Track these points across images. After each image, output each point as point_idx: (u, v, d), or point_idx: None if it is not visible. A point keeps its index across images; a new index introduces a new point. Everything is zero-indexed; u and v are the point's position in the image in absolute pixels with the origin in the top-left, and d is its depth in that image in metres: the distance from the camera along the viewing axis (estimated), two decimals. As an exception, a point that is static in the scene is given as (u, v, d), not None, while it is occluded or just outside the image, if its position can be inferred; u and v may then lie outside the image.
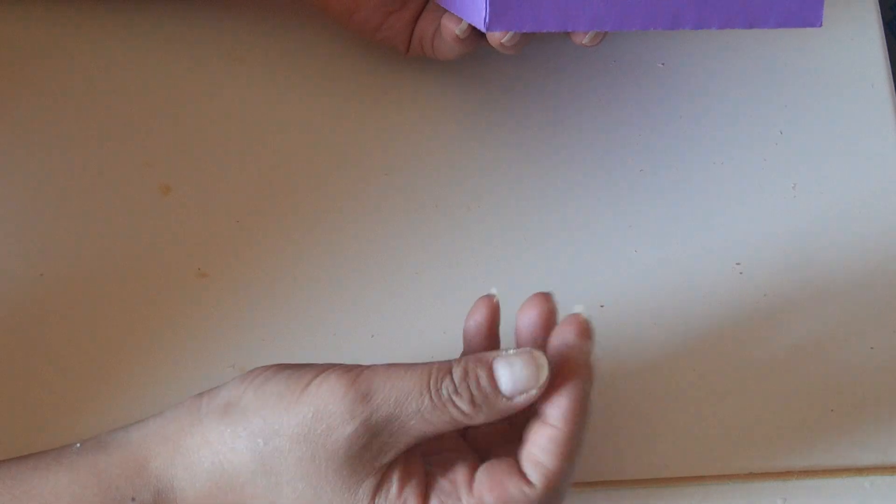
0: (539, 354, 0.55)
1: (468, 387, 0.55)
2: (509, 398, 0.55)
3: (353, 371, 0.55)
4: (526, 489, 0.55)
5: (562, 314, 0.68)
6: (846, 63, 0.75)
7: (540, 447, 0.55)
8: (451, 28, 0.68)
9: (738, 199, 0.71)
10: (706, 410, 0.65)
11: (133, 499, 0.56)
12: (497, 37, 0.64)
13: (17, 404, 0.65)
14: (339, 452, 0.55)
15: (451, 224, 0.70)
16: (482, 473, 0.56)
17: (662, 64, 0.75)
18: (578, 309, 0.58)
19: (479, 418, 0.55)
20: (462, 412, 0.55)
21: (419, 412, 0.55)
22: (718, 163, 0.67)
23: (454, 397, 0.55)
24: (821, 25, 0.64)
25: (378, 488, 0.55)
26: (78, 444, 0.57)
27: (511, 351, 0.56)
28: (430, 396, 0.55)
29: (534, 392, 0.55)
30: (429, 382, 0.55)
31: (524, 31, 0.62)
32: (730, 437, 0.65)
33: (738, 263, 0.69)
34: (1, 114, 0.74)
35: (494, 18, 0.61)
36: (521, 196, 0.72)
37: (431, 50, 0.71)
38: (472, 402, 0.55)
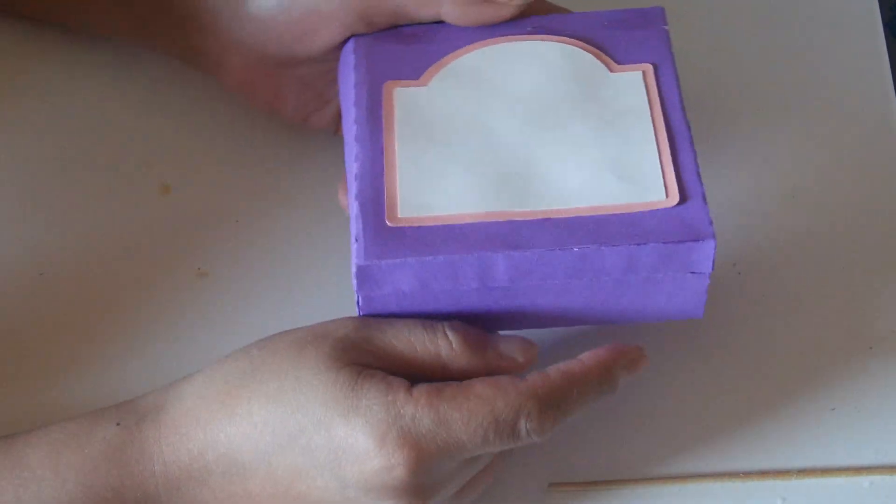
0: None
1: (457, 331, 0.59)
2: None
3: None
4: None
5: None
6: (846, 63, 0.75)
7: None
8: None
9: (735, 199, 0.71)
10: (706, 410, 0.65)
11: (118, 423, 0.58)
12: None
13: (17, 404, 0.65)
14: (326, 343, 0.57)
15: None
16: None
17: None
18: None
19: (461, 361, 0.58)
20: (449, 346, 0.58)
21: (408, 329, 0.58)
22: (716, 163, 0.67)
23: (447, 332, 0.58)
24: (701, 317, 0.62)
25: (359, 373, 0.57)
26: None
27: None
28: (423, 326, 0.58)
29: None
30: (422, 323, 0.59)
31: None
32: (729, 437, 0.64)
33: (734, 264, 0.69)
34: (1, 114, 0.74)
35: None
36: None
37: None
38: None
